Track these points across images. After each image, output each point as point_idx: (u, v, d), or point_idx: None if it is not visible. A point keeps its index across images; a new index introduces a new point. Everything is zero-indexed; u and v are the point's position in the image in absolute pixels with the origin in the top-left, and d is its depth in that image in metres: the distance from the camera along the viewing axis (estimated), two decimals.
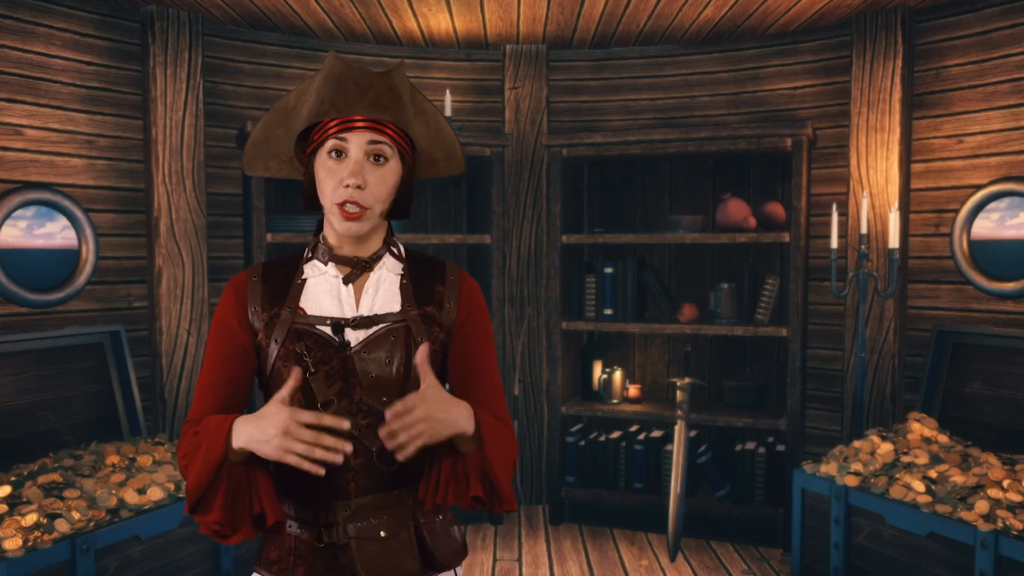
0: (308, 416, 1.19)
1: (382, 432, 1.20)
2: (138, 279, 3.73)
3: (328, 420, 1.19)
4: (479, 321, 1.44)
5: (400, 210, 1.41)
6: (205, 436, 1.26)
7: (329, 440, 1.18)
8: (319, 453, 1.18)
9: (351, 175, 1.30)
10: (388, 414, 1.20)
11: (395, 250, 1.44)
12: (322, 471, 1.20)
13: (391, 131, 1.33)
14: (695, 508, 3.88)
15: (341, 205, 1.31)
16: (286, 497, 1.39)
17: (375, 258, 1.41)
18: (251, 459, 1.25)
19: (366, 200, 1.32)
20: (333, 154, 1.32)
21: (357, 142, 1.31)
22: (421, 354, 1.27)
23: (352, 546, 1.34)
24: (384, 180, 1.33)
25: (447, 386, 1.42)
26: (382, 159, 1.33)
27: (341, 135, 1.31)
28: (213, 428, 1.26)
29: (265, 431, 1.19)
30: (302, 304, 1.38)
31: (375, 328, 1.36)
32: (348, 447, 1.20)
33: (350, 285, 1.39)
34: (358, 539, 1.35)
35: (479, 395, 1.41)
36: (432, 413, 1.22)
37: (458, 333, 1.42)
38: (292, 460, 1.18)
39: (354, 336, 1.36)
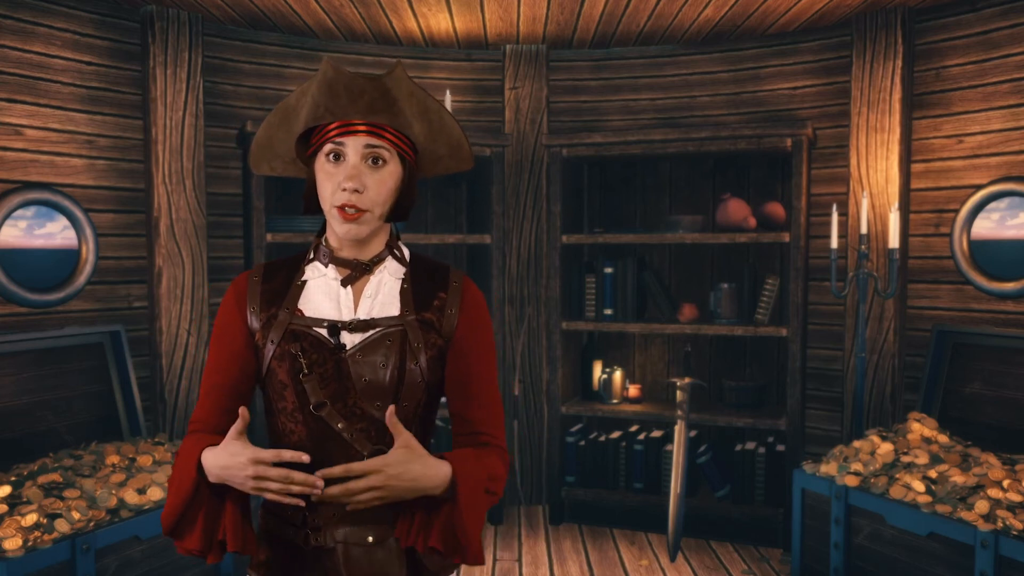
0: (268, 455, 1.19)
1: (331, 490, 1.22)
2: (138, 279, 3.73)
3: (287, 455, 1.20)
4: (480, 332, 1.42)
5: (400, 212, 1.40)
6: (178, 464, 1.28)
7: (299, 477, 1.19)
8: (295, 489, 1.20)
9: (348, 179, 1.30)
10: (339, 470, 1.21)
11: (398, 253, 1.43)
12: (302, 503, 1.22)
13: (389, 133, 1.32)
14: (695, 508, 3.87)
15: (340, 208, 1.31)
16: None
17: (376, 261, 1.40)
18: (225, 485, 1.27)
19: (364, 203, 1.31)
20: (331, 157, 1.32)
21: (354, 146, 1.31)
22: (390, 413, 1.25)
23: (339, 551, 1.34)
24: (383, 183, 1.33)
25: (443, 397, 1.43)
26: (380, 161, 1.32)
27: (338, 139, 1.31)
28: (185, 457, 1.28)
29: (235, 474, 1.21)
30: (300, 306, 1.37)
31: (371, 332, 1.35)
32: (320, 482, 1.20)
33: (349, 288, 1.38)
34: (345, 544, 1.34)
35: (479, 409, 1.40)
36: (391, 481, 1.22)
37: (457, 343, 1.40)
38: (270, 497, 1.21)
39: (350, 339, 1.35)
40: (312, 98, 1.31)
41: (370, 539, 1.35)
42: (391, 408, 1.26)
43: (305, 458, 1.20)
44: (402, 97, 1.32)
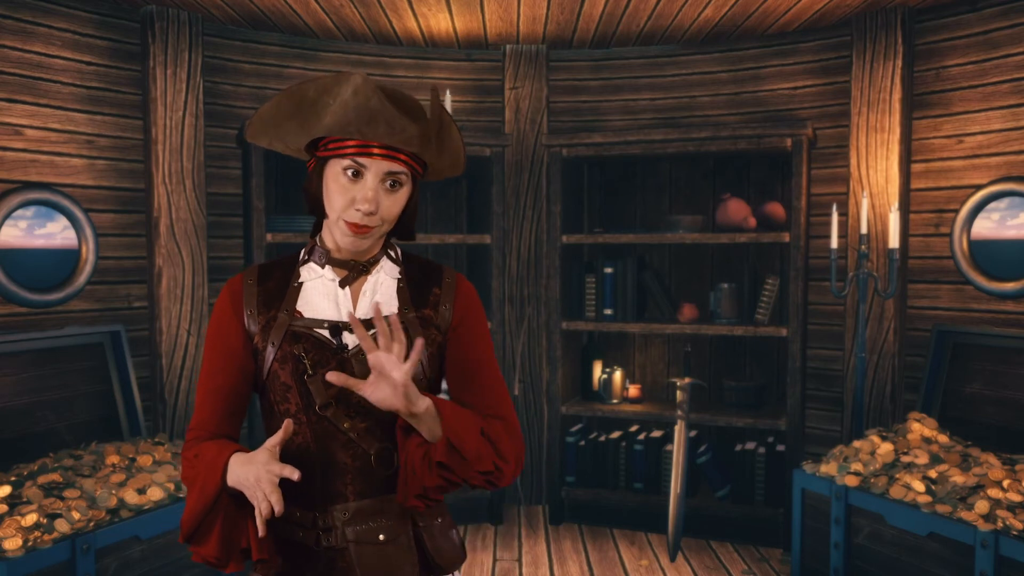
0: (279, 469, 1.17)
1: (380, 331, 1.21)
2: (138, 279, 3.73)
3: (286, 472, 1.17)
4: (475, 322, 1.44)
5: (404, 228, 1.41)
6: (202, 468, 1.27)
7: (276, 496, 1.16)
8: (264, 508, 1.16)
9: (365, 200, 1.29)
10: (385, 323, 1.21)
11: (392, 253, 1.44)
12: (278, 508, 1.17)
13: (408, 157, 1.32)
14: (695, 508, 3.87)
15: (349, 224, 1.31)
16: (285, 499, 1.38)
17: (372, 261, 1.40)
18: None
19: (374, 221, 1.32)
20: (349, 172, 1.30)
21: (375, 170, 1.29)
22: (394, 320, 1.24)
23: (351, 550, 1.34)
24: (396, 203, 1.34)
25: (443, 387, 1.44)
26: (397, 184, 1.32)
27: (360, 159, 1.29)
28: (209, 461, 1.26)
29: (248, 478, 1.19)
30: (299, 307, 1.37)
31: (372, 331, 1.35)
32: (279, 508, 1.16)
33: (347, 288, 1.39)
34: (357, 543, 1.34)
35: (480, 392, 1.41)
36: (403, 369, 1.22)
37: (454, 335, 1.41)
38: (262, 509, 1.17)
39: (352, 339, 1.35)
40: (344, 114, 1.27)
41: (381, 537, 1.35)
42: (419, 340, 1.23)
43: (295, 475, 1.17)
44: (432, 130, 1.32)
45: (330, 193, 1.32)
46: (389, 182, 1.31)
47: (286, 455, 1.37)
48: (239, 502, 1.25)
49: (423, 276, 1.44)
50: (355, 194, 1.30)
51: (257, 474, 1.18)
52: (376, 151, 1.29)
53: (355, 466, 1.35)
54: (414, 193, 1.38)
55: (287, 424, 1.23)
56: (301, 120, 1.32)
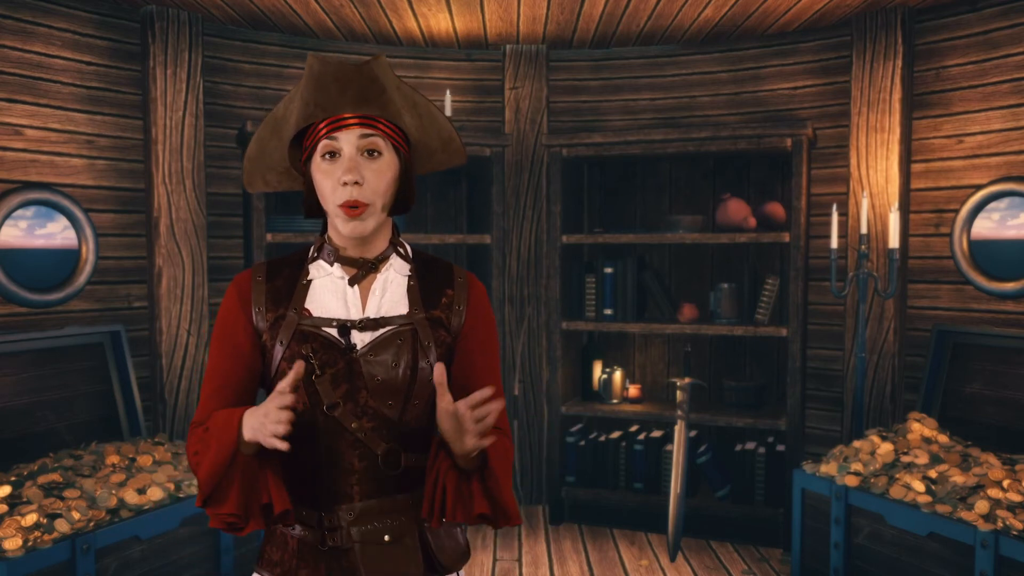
0: (285, 385, 1.19)
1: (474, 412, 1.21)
2: (138, 279, 3.73)
3: (297, 367, 1.20)
4: (486, 328, 1.44)
5: (401, 205, 1.40)
6: (215, 430, 1.27)
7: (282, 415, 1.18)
8: (281, 428, 1.18)
9: (347, 172, 1.30)
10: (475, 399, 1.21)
11: (402, 251, 1.43)
12: (284, 445, 1.18)
13: (381, 124, 1.33)
14: (695, 508, 3.87)
15: (342, 206, 1.31)
16: (291, 500, 1.38)
17: (381, 259, 1.40)
18: (261, 450, 1.26)
19: (366, 196, 1.31)
20: (327, 156, 1.32)
21: (348, 139, 1.31)
22: (439, 372, 1.23)
23: (356, 550, 1.34)
24: (381, 173, 1.33)
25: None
26: (376, 152, 1.32)
27: (331, 135, 1.31)
28: (222, 421, 1.27)
29: (258, 417, 1.20)
30: (307, 306, 1.37)
31: (381, 331, 1.35)
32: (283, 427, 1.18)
33: (356, 287, 1.38)
34: (362, 543, 1.34)
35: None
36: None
37: (464, 339, 1.41)
38: (271, 444, 1.18)
39: (360, 338, 1.34)
40: (301, 98, 1.32)
41: (387, 538, 1.35)
42: (440, 367, 1.23)
43: (300, 367, 1.20)
44: (390, 87, 1.33)
45: (319, 186, 1.34)
46: (366, 150, 1.32)
47: (293, 453, 1.37)
48: (257, 460, 1.26)
49: (434, 275, 1.43)
50: (337, 173, 1.31)
51: (266, 409, 1.18)
52: (344, 121, 1.30)
53: (362, 466, 1.35)
54: (402, 166, 1.37)
55: (297, 365, 1.21)
56: (279, 135, 1.38)
